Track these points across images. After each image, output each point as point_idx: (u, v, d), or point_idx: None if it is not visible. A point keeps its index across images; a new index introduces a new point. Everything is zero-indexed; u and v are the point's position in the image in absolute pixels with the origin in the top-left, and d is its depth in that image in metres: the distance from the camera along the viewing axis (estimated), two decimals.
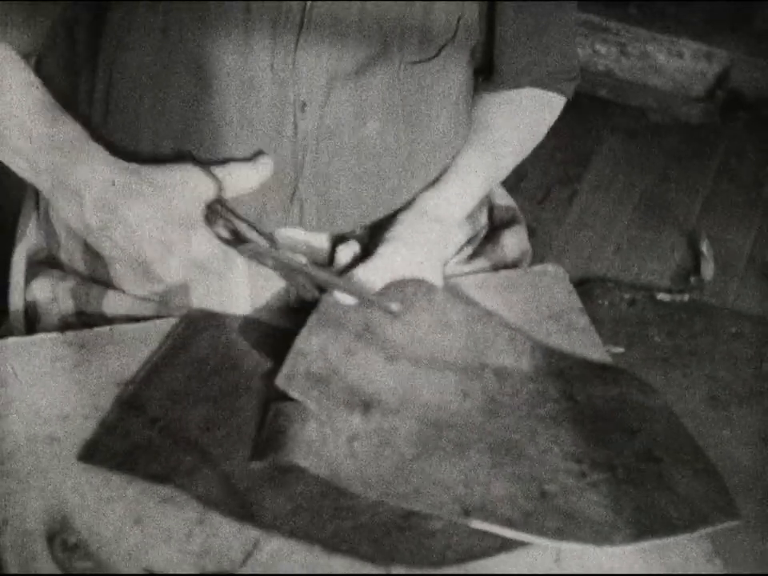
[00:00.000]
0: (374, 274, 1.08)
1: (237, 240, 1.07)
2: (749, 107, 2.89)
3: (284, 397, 0.98)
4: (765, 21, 2.91)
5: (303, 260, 1.12)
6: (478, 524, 0.90)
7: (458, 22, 1.10)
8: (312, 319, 1.04)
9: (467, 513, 0.91)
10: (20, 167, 1.05)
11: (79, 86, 1.10)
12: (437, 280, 1.11)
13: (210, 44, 1.02)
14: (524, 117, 1.26)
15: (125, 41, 1.05)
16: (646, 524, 0.91)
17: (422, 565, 0.89)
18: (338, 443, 0.96)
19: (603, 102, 2.89)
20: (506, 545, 0.90)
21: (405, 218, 1.13)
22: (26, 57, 1.08)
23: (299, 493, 0.93)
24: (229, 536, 0.90)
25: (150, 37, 1.03)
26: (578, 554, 0.91)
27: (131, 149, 1.07)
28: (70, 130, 1.05)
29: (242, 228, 1.09)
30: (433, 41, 1.10)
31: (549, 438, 0.99)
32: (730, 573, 0.91)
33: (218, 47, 1.03)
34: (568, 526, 0.90)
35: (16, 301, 1.20)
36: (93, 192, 1.01)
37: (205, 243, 1.03)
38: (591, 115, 2.81)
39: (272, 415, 0.98)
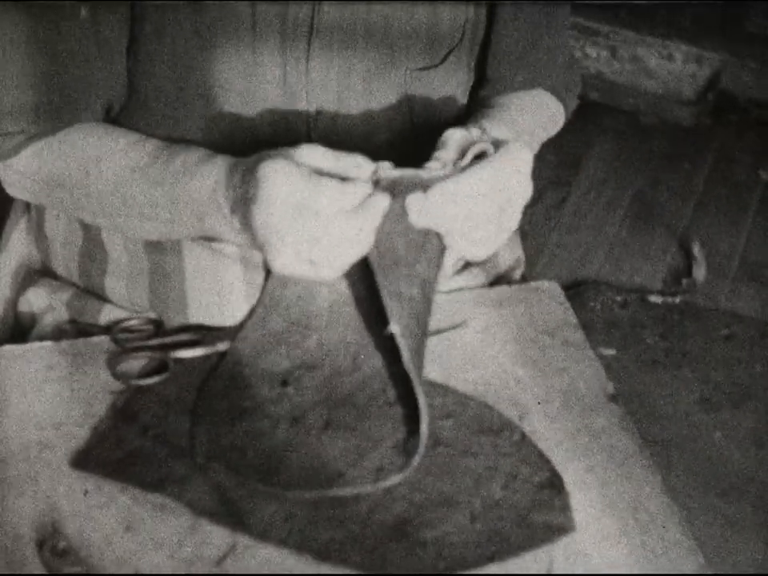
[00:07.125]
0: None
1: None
2: (739, 110, 2.90)
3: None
4: (755, 24, 2.93)
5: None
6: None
7: (464, 25, 1.10)
8: None
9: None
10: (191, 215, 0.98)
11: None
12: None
13: (218, 68, 1.03)
14: (539, 100, 1.21)
15: (135, 70, 1.05)
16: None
17: (414, 575, 0.89)
18: (273, 380, 1.01)
19: (594, 104, 2.90)
20: (498, 555, 0.91)
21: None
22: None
23: (291, 502, 0.93)
24: (220, 544, 0.90)
25: (159, 65, 1.03)
26: (570, 562, 0.91)
27: None
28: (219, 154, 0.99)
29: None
30: (439, 47, 1.10)
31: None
32: (728, 573, 0.92)
33: (227, 71, 1.03)
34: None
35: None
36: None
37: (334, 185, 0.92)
38: (582, 118, 2.80)
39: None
